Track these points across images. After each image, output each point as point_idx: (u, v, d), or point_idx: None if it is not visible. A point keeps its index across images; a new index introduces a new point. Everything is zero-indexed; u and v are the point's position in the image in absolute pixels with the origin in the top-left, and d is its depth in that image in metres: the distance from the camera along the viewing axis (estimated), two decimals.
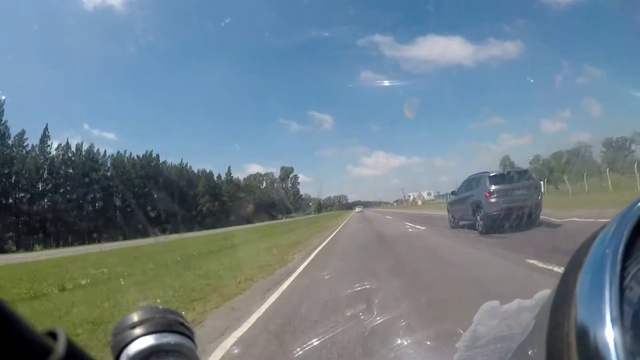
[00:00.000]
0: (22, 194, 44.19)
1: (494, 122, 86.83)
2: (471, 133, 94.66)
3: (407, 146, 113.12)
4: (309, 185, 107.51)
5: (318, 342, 2.72)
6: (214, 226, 48.04)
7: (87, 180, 48.21)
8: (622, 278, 0.38)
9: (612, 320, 0.34)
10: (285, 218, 59.46)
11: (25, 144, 44.66)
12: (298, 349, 2.65)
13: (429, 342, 1.49)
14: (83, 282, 7.79)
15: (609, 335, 0.34)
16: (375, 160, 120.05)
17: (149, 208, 48.88)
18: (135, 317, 0.41)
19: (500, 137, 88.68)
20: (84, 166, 48.52)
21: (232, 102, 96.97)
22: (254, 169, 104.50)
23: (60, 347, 0.29)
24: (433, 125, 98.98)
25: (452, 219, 11.80)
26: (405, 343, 1.42)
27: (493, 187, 9.10)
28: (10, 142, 43.49)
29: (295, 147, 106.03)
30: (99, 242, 35.96)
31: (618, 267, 0.39)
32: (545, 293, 0.61)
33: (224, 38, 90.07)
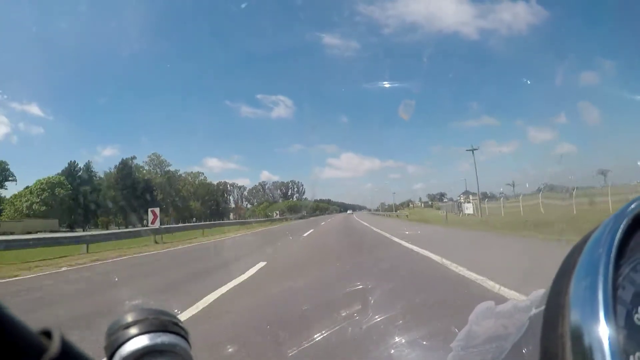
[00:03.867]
0: None
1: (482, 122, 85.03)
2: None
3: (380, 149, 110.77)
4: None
5: None
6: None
7: None
8: (615, 278, 0.39)
9: (606, 320, 0.35)
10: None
11: None
12: None
13: (424, 342, 1.50)
14: None
15: (603, 334, 0.34)
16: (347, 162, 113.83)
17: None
18: (129, 318, 0.40)
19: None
20: None
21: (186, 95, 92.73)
22: (213, 163, 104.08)
23: (54, 346, 0.28)
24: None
25: None
26: (400, 342, 1.43)
27: None
28: None
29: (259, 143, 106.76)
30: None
31: (611, 267, 0.39)
32: (539, 293, 0.61)
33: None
